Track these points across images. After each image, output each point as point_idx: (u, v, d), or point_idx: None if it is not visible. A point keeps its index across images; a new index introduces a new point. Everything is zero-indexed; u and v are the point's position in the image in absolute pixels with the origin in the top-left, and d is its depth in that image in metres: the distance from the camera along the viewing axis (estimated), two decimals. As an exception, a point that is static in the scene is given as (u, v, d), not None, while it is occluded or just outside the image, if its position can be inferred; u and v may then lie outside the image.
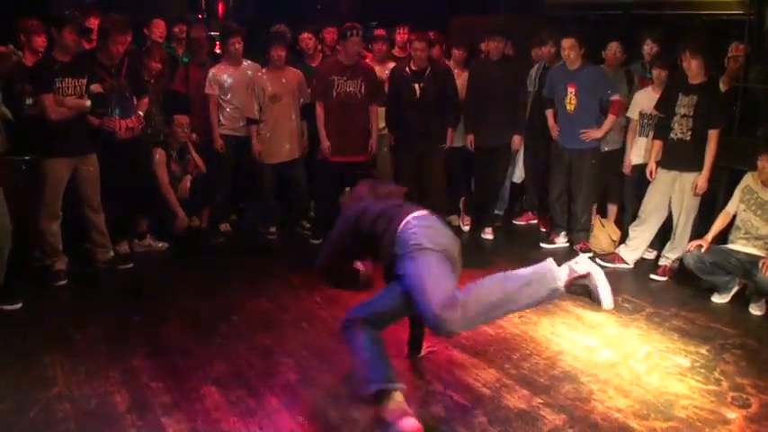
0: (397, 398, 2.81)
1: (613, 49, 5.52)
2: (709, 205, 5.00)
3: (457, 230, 5.78)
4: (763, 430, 3.02)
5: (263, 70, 5.56)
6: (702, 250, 4.47)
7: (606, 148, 5.54)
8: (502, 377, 3.45)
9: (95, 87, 4.61)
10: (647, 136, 5.22)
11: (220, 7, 10.06)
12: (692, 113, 4.72)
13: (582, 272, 2.74)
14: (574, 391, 3.32)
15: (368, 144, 5.55)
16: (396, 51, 6.49)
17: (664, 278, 4.94)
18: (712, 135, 4.68)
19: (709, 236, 4.55)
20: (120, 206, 4.98)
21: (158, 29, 5.79)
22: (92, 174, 4.68)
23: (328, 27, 6.27)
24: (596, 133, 5.33)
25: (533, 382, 3.40)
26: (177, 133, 5.44)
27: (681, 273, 4.84)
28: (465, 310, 2.55)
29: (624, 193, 5.62)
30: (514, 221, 6.45)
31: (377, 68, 5.78)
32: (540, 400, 3.22)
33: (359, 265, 3.23)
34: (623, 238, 5.37)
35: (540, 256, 5.35)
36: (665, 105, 4.90)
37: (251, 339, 3.84)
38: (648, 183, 5.04)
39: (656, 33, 5.55)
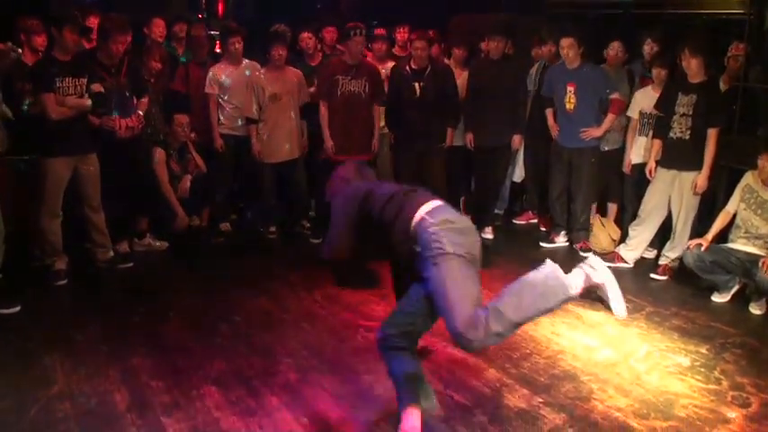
0: (414, 417, 2.79)
1: (615, 48, 5.52)
2: (709, 205, 5.01)
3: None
4: (764, 429, 3.02)
5: (263, 70, 5.56)
6: (702, 249, 4.47)
7: (606, 148, 5.54)
8: (502, 376, 3.45)
9: (96, 87, 4.61)
10: (647, 135, 5.22)
11: (220, 7, 10.06)
12: (691, 113, 4.73)
13: (598, 281, 2.73)
14: (574, 391, 3.32)
15: (371, 143, 5.55)
16: (396, 50, 6.50)
17: (664, 277, 4.94)
18: (712, 134, 4.68)
19: (710, 235, 4.55)
20: (120, 206, 4.98)
21: (158, 28, 5.80)
22: (92, 173, 4.68)
23: (328, 26, 6.28)
24: (596, 132, 5.33)
25: (533, 382, 3.40)
26: (177, 133, 5.44)
27: (681, 272, 4.85)
28: (487, 329, 2.53)
29: (624, 193, 5.62)
30: (514, 221, 6.45)
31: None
32: (541, 400, 3.22)
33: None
34: (623, 237, 5.38)
35: (540, 256, 5.40)
36: (665, 104, 4.90)
37: (251, 339, 3.84)
38: (648, 182, 5.04)
39: (656, 33, 5.56)
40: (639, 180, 5.23)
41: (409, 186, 2.93)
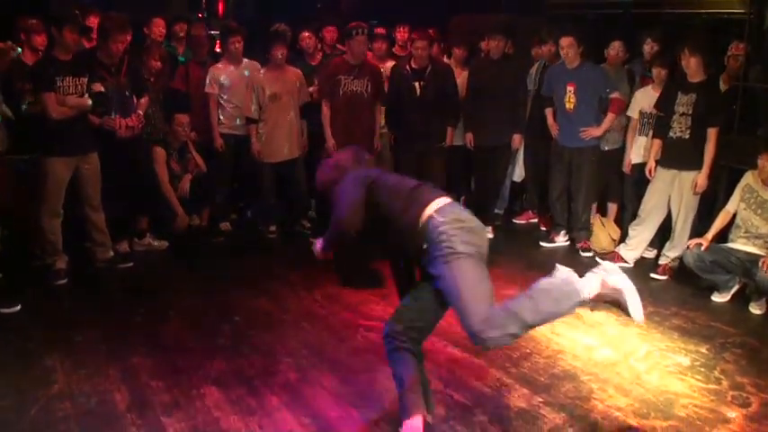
0: (416, 423, 2.79)
1: (616, 48, 5.52)
2: (709, 204, 5.01)
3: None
4: (764, 429, 3.02)
5: (263, 69, 5.56)
6: (702, 249, 4.47)
7: (606, 148, 5.54)
8: (502, 376, 3.45)
9: (96, 86, 4.61)
10: (647, 135, 5.23)
11: (220, 6, 10.06)
12: (690, 112, 4.73)
13: (616, 286, 2.70)
14: (574, 390, 3.32)
15: (373, 143, 5.55)
16: (396, 50, 6.50)
17: (664, 277, 4.94)
18: (711, 133, 4.68)
19: (710, 234, 4.55)
20: (120, 205, 4.98)
21: (158, 27, 5.80)
22: (93, 173, 4.68)
23: (328, 26, 6.28)
24: (596, 131, 5.33)
25: (533, 381, 3.40)
26: (177, 132, 5.44)
27: (681, 271, 4.85)
28: (504, 329, 2.54)
29: (624, 192, 5.62)
30: (514, 220, 6.45)
31: (376, 67, 5.78)
32: (541, 399, 3.22)
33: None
34: (623, 236, 5.37)
35: (540, 256, 5.47)
36: (665, 104, 4.90)
37: (251, 338, 3.84)
38: (648, 182, 5.04)
39: (656, 32, 5.56)
40: (639, 180, 5.23)
41: (417, 181, 2.89)
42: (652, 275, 4.96)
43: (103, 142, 4.73)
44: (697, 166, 4.74)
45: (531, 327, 2.61)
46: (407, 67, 5.46)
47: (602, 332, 4.00)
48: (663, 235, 5.11)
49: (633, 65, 5.73)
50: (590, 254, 5.40)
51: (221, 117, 5.67)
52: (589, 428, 3.00)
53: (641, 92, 5.31)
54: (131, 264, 4.98)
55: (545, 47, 5.91)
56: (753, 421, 3.07)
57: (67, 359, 3.53)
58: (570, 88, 5.32)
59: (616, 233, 5.58)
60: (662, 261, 5.02)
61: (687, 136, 4.76)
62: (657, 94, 5.04)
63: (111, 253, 4.93)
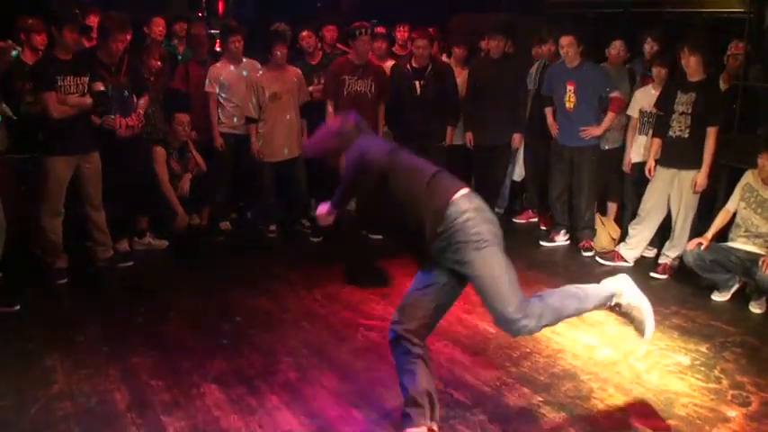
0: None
1: (617, 47, 5.52)
2: (709, 203, 5.01)
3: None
4: (764, 428, 3.02)
5: (263, 69, 5.56)
6: (702, 248, 4.47)
7: (606, 147, 5.54)
8: (502, 375, 3.45)
9: (97, 85, 4.61)
10: (646, 134, 5.22)
11: (220, 5, 10.06)
12: (690, 111, 4.73)
13: (633, 302, 2.91)
14: (574, 390, 3.32)
15: None
16: (396, 49, 6.50)
17: (664, 276, 4.94)
18: (711, 132, 4.68)
19: (709, 233, 4.55)
20: (120, 205, 4.98)
21: (158, 27, 5.80)
22: (94, 172, 4.68)
23: (328, 25, 6.28)
24: (596, 131, 5.33)
25: (533, 381, 3.40)
26: (178, 131, 5.44)
27: (681, 271, 4.85)
28: (539, 319, 2.61)
29: (624, 192, 5.62)
30: (514, 220, 6.44)
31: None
32: (541, 399, 3.22)
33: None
34: (623, 236, 5.37)
35: (540, 255, 5.46)
36: (664, 103, 4.90)
37: (251, 337, 3.84)
38: (648, 181, 5.04)
39: (656, 31, 5.55)
40: (639, 179, 5.23)
41: (439, 167, 2.79)
42: (652, 274, 4.96)
43: (103, 142, 4.73)
44: (696, 165, 4.73)
45: (559, 321, 2.73)
46: (408, 66, 5.46)
47: (602, 331, 4.00)
48: (663, 234, 5.11)
49: (634, 64, 5.72)
50: (591, 253, 5.40)
51: (221, 116, 5.67)
52: (589, 428, 3.00)
53: (641, 91, 5.31)
54: (131, 263, 4.98)
55: (545, 46, 5.90)
56: (753, 420, 3.07)
57: (67, 359, 3.53)
58: (570, 87, 5.31)
59: (616, 232, 5.58)
60: (662, 260, 5.01)
61: (687, 135, 4.76)
62: (657, 93, 5.04)
63: (112, 252, 4.94)
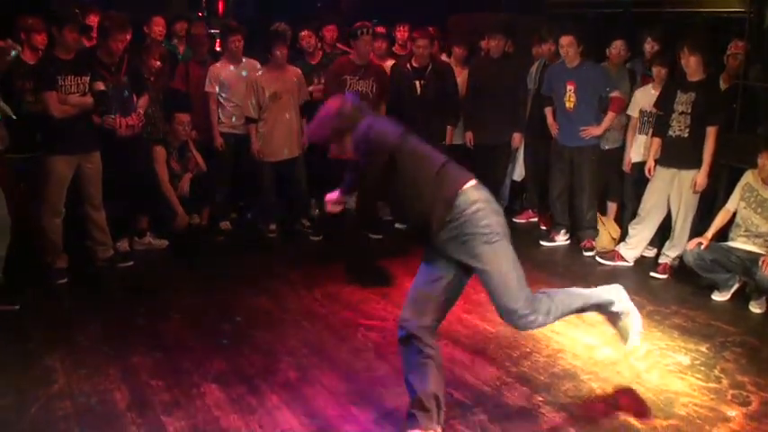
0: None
1: (617, 47, 5.51)
2: (709, 203, 5.01)
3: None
4: (764, 428, 3.02)
5: (263, 69, 5.56)
6: (702, 248, 4.47)
7: (606, 146, 5.54)
8: (502, 375, 3.45)
9: (98, 85, 4.61)
10: (646, 134, 5.22)
11: (220, 5, 10.06)
12: (690, 111, 4.73)
13: (624, 309, 3.07)
14: (574, 389, 3.32)
15: None
16: (396, 49, 6.50)
17: (664, 276, 4.94)
18: (710, 132, 4.68)
19: (710, 233, 4.55)
20: (120, 204, 4.98)
21: (158, 26, 5.79)
22: (95, 172, 4.68)
23: (328, 25, 6.28)
24: (596, 131, 5.33)
25: (533, 380, 3.40)
26: (178, 131, 5.44)
27: (681, 270, 4.85)
28: (547, 315, 2.66)
29: (624, 191, 5.62)
30: (514, 219, 6.43)
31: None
32: (541, 398, 3.22)
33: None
34: (623, 235, 5.37)
35: (540, 255, 5.46)
36: (664, 103, 4.90)
37: (251, 337, 3.84)
38: (648, 181, 5.04)
39: (656, 31, 5.55)
40: (639, 179, 5.23)
41: (447, 156, 2.76)
42: (652, 274, 4.96)
43: (104, 141, 4.73)
44: (696, 164, 4.73)
45: (563, 316, 2.79)
46: (408, 65, 5.46)
47: (602, 331, 3.99)
48: (663, 234, 5.11)
49: (634, 64, 5.72)
50: (592, 253, 5.40)
51: (221, 116, 5.67)
52: (589, 427, 3.00)
53: (641, 91, 5.31)
54: (131, 263, 4.98)
55: (545, 46, 5.90)
56: (753, 420, 3.07)
57: (68, 358, 3.53)
58: (570, 87, 5.31)
59: (616, 232, 5.58)
60: (662, 260, 5.01)
61: (686, 135, 4.76)
62: (657, 93, 5.04)
63: (112, 252, 4.93)
